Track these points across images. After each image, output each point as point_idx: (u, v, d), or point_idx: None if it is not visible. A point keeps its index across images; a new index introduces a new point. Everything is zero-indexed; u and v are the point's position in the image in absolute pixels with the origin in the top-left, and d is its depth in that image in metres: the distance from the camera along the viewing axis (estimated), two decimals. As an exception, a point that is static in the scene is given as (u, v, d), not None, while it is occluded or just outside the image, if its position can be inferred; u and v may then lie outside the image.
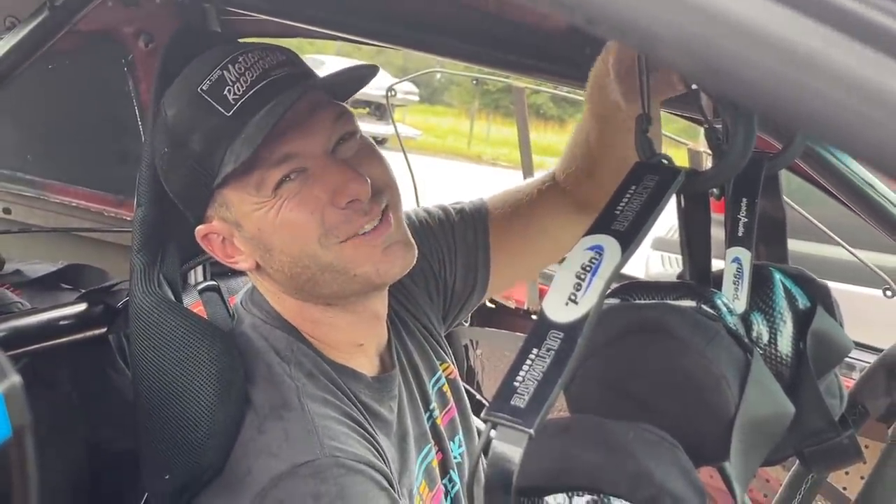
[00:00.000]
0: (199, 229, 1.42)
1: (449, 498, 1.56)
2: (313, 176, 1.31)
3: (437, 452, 1.56)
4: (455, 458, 1.60)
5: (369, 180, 1.32)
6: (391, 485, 1.32)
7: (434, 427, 1.58)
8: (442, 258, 1.66)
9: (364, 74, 1.38)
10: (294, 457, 1.27)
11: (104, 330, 1.96)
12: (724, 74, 0.43)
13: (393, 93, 4.32)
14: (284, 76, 1.30)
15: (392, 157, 1.52)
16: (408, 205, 1.49)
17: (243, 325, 1.48)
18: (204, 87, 1.29)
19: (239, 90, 1.27)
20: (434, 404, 1.59)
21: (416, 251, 1.42)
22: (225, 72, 1.28)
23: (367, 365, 1.46)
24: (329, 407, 1.33)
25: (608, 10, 0.44)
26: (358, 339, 1.46)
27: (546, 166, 2.07)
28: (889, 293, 2.20)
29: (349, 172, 1.31)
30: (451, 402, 1.65)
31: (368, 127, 19.58)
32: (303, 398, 1.33)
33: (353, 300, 1.41)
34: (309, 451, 1.27)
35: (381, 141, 18.50)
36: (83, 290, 2.03)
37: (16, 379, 0.30)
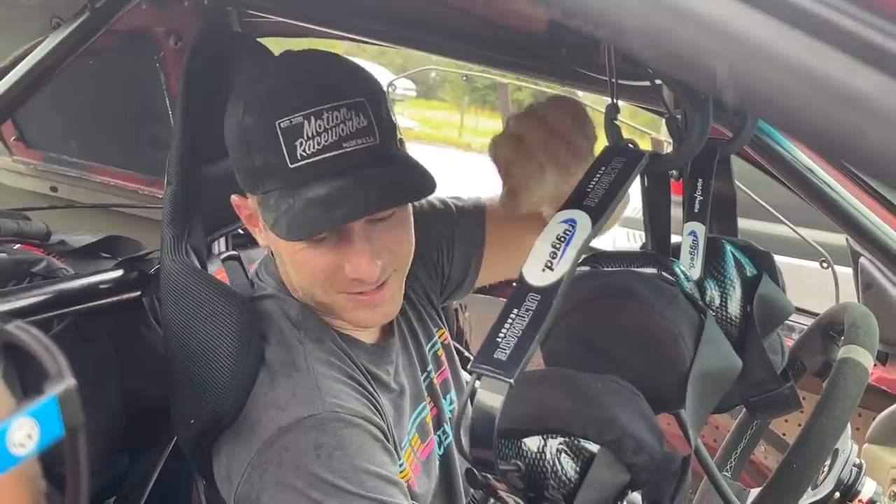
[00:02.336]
0: (234, 198, 1.39)
1: (442, 447, 1.56)
2: (339, 240, 1.26)
3: (431, 408, 1.56)
4: (448, 413, 1.60)
5: (380, 263, 1.27)
6: (386, 437, 1.31)
7: (430, 386, 1.57)
8: (441, 248, 1.64)
9: (422, 188, 1.29)
10: (299, 411, 1.26)
11: (138, 293, 1.96)
12: (682, 61, 0.42)
13: (393, 88, 4.33)
14: (353, 152, 1.21)
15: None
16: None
17: (260, 292, 1.47)
18: (282, 125, 1.19)
19: (309, 150, 1.19)
20: (430, 366, 1.59)
21: (399, 307, 1.41)
22: (306, 121, 1.18)
23: (367, 334, 1.45)
24: (333, 368, 1.33)
25: (581, 3, 0.43)
26: None
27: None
28: (825, 265, 2.21)
29: (366, 256, 1.25)
30: (445, 364, 1.65)
31: (372, 119, 19.74)
32: (309, 360, 1.32)
33: None
34: (312, 406, 1.26)
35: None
36: (120, 259, 2.02)
37: (71, 382, 0.29)
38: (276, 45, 1.91)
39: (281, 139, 1.19)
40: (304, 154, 1.18)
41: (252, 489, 1.26)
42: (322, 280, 1.30)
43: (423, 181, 1.27)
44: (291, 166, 1.19)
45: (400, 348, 1.52)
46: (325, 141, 1.19)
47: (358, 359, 1.39)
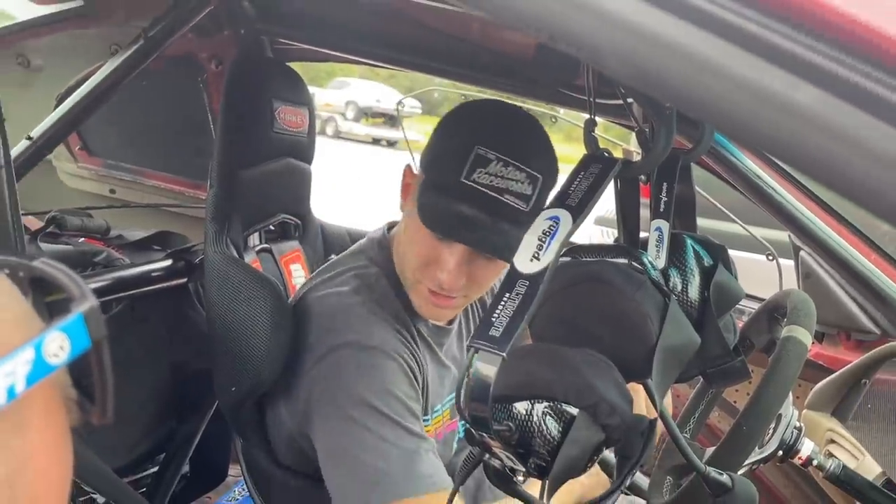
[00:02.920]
0: (407, 168, 1.43)
1: (462, 432, 1.56)
2: (450, 248, 1.29)
3: None
4: None
5: (462, 283, 1.32)
6: (416, 378, 1.34)
7: None
8: None
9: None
10: (349, 336, 1.30)
11: (185, 280, 1.97)
12: (649, 78, 0.43)
13: (402, 106, 4.34)
14: (506, 204, 1.24)
15: (402, 155, 1.52)
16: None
17: (360, 251, 1.50)
18: (479, 151, 1.24)
19: (481, 179, 1.23)
20: None
21: (455, 315, 1.50)
22: (495, 161, 1.23)
23: None
24: (387, 322, 1.35)
25: (565, 29, 0.43)
26: None
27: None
28: (770, 258, 2.21)
29: (455, 272, 1.30)
30: None
31: (384, 132, 19.61)
32: (370, 305, 1.35)
33: None
34: (361, 335, 1.30)
35: (393, 143, 18.52)
36: (169, 251, 2.03)
37: (94, 301, 0.30)
38: (302, 68, 1.91)
39: (470, 159, 1.23)
40: (476, 179, 1.23)
41: (307, 401, 1.31)
42: (418, 263, 1.34)
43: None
44: (462, 180, 1.23)
45: (455, 339, 1.52)
46: (496, 183, 1.23)
47: (417, 326, 1.42)
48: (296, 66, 1.87)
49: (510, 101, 1.52)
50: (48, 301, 0.32)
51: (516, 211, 1.24)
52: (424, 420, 1.38)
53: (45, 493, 0.31)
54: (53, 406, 0.31)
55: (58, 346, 0.29)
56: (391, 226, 1.51)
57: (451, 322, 1.50)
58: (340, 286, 1.39)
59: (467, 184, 1.23)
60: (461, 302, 1.39)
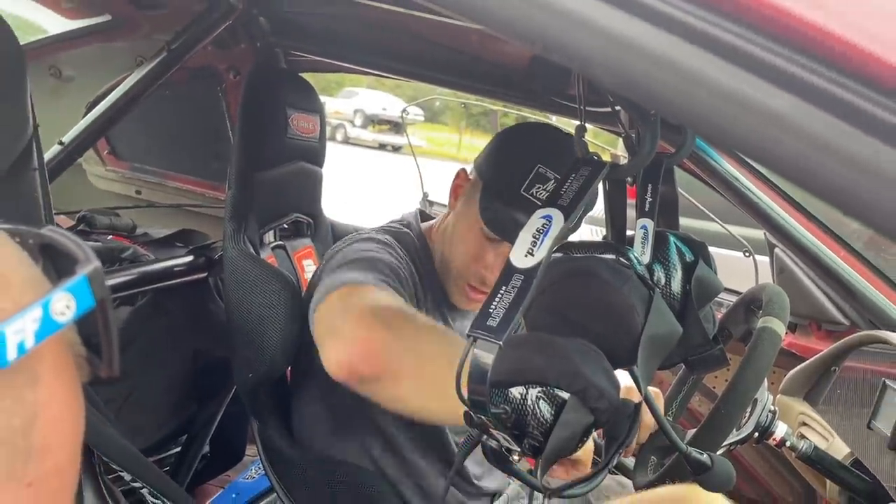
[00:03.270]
0: (462, 171, 1.47)
1: None
2: (497, 249, 1.35)
3: None
4: None
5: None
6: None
7: None
8: None
9: None
10: (359, 246, 1.33)
11: (205, 274, 1.97)
12: (634, 85, 0.43)
13: (406, 114, 4.34)
14: None
15: (407, 160, 1.52)
16: (416, 190, 1.50)
17: (392, 223, 1.52)
18: (539, 170, 1.28)
19: (537, 194, 1.28)
20: None
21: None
22: (553, 180, 1.27)
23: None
24: (406, 269, 1.36)
25: (558, 41, 0.43)
26: None
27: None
28: (747, 254, 2.22)
29: (497, 265, 1.34)
30: None
31: (390, 138, 19.62)
32: (399, 250, 1.38)
33: None
34: (370, 249, 1.32)
35: (398, 148, 18.52)
36: (191, 247, 2.03)
37: (97, 263, 0.30)
38: (313, 79, 1.91)
39: (531, 175, 1.28)
40: (533, 194, 1.28)
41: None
42: (465, 259, 1.38)
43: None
44: (520, 192, 1.28)
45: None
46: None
47: (433, 290, 1.45)
48: (308, 76, 1.87)
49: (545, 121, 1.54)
50: (56, 265, 0.32)
51: None
52: None
53: (57, 442, 0.31)
54: (63, 361, 0.31)
55: (64, 305, 0.29)
56: (422, 216, 1.55)
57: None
58: (367, 235, 1.41)
59: (523, 197, 1.28)
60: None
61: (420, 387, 1.06)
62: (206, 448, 2.14)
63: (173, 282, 1.87)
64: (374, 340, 1.06)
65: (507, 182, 1.31)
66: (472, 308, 1.45)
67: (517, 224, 1.25)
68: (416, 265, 1.40)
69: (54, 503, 0.31)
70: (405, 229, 1.46)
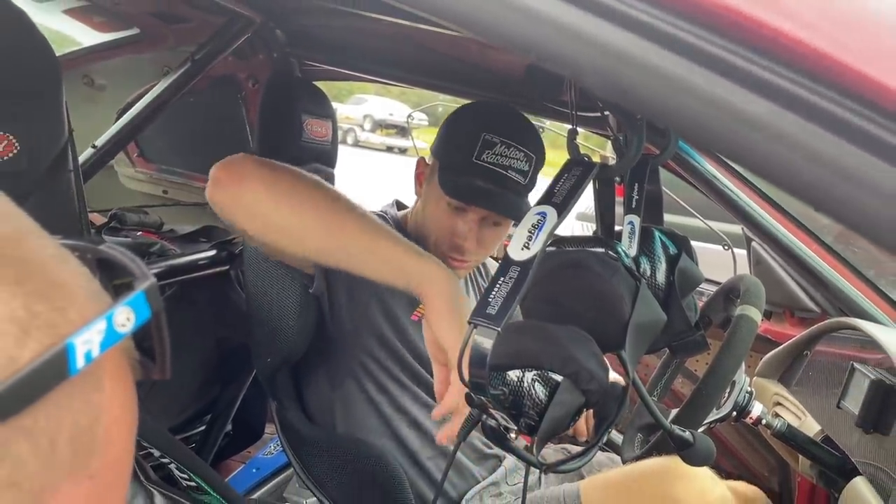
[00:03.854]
0: (420, 160, 1.50)
1: None
2: (465, 216, 1.36)
3: None
4: None
5: (474, 245, 1.38)
6: None
7: None
8: None
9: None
10: None
11: (227, 267, 1.97)
12: (624, 93, 0.42)
13: (412, 119, 4.35)
14: (509, 178, 1.32)
15: (412, 160, 1.52)
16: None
17: (380, 212, 1.52)
18: (486, 137, 1.31)
19: (489, 159, 1.31)
20: None
21: (460, 280, 1.51)
22: (500, 144, 1.31)
23: None
24: None
25: (552, 51, 0.43)
26: None
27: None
28: (726, 247, 2.21)
29: (473, 234, 1.37)
30: None
31: (396, 141, 19.61)
32: None
33: None
34: None
35: (404, 150, 18.49)
36: (213, 242, 2.03)
37: (153, 279, 0.31)
38: (325, 86, 1.91)
39: (479, 143, 1.31)
40: (485, 159, 1.31)
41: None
42: (439, 233, 1.39)
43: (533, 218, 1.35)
44: (473, 160, 1.31)
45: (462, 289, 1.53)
46: (501, 161, 1.31)
47: None
48: (320, 84, 1.86)
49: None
50: (112, 279, 0.33)
51: (517, 183, 1.33)
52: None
53: (117, 436, 0.32)
54: (122, 365, 0.33)
55: (125, 317, 0.30)
56: (398, 205, 1.57)
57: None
58: None
59: (478, 163, 1.30)
60: (472, 264, 1.43)
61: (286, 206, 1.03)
62: (229, 427, 2.14)
63: (197, 274, 1.87)
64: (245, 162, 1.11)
65: (460, 155, 1.33)
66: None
67: (476, 188, 1.30)
68: None
69: (110, 493, 0.32)
70: (383, 217, 1.46)
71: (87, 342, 0.28)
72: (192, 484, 1.11)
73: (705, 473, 1.36)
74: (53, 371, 0.27)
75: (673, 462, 1.37)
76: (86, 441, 0.30)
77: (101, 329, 0.29)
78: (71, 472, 0.29)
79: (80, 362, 0.28)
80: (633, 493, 1.35)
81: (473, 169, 1.31)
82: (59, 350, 0.27)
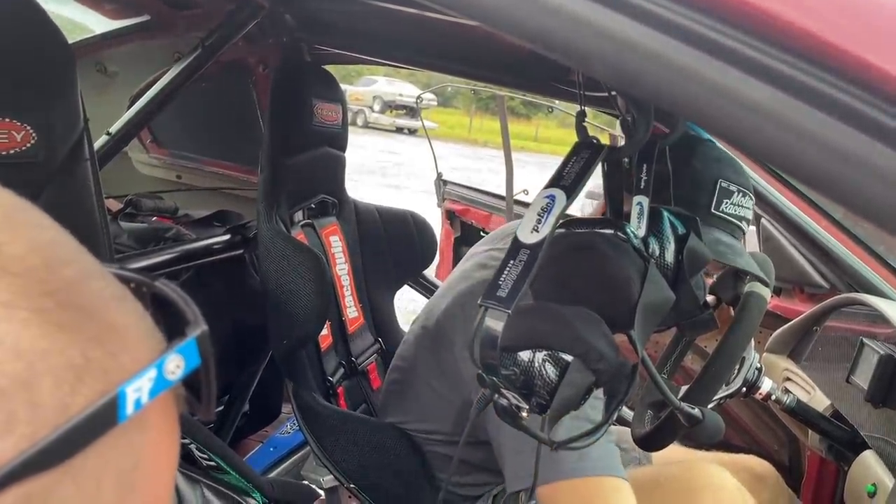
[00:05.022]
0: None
1: None
2: None
3: None
4: None
5: None
6: None
7: None
8: None
9: None
10: None
11: (241, 251, 1.98)
12: (631, 81, 0.43)
13: (421, 100, 4.34)
14: (742, 230, 1.18)
15: (421, 142, 1.51)
16: (429, 171, 1.49)
17: None
18: (722, 184, 1.14)
19: (728, 210, 1.14)
20: None
21: None
22: (738, 193, 1.15)
23: None
24: None
25: (559, 41, 0.43)
26: None
27: (517, 145, 2.05)
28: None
29: None
30: None
31: (406, 122, 19.57)
32: None
33: None
34: None
35: (414, 131, 18.45)
36: (227, 227, 2.04)
37: (205, 327, 0.32)
38: (335, 69, 1.91)
39: (716, 192, 1.15)
40: (724, 210, 1.15)
41: None
42: None
43: None
44: (713, 211, 1.15)
45: None
46: (739, 213, 1.16)
47: None
48: (330, 67, 1.86)
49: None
50: (164, 317, 0.34)
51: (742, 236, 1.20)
52: None
53: (160, 469, 0.33)
54: (168, 405, 0.33)
55: (175, 365, 0.30)
56: None
57: None
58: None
59: (717, 214, 1.15)
60: None
61: None
62: (246, 407, 2.17)
63: (212, 258, 1.88)
64: None
65: (692, 200, 1.15)
66: None
67: (716, 241, 1.13)
68: None
69: None
70: None
71: (137, 390, 0.29)
72: (212, 463, 1.13)
73: (731, 483, 1.32)
74: (104, 419, 0.28)
75: (699, 470, 1.37)
76: (129, 481, 0.30)
77: (151, 377, 0.29)
78: None
79: (129, 409, 0.28)
80: (659, 498, 1.33)
81: (710, 221, 1.13)
82: (111, 398, 0.28)
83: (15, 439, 0.25)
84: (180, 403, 0.34)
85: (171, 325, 0.33)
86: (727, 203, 1.15)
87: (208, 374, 0.32)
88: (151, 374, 0.29)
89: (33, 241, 0.29)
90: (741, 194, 1.16)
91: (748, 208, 1.18)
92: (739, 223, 1.16)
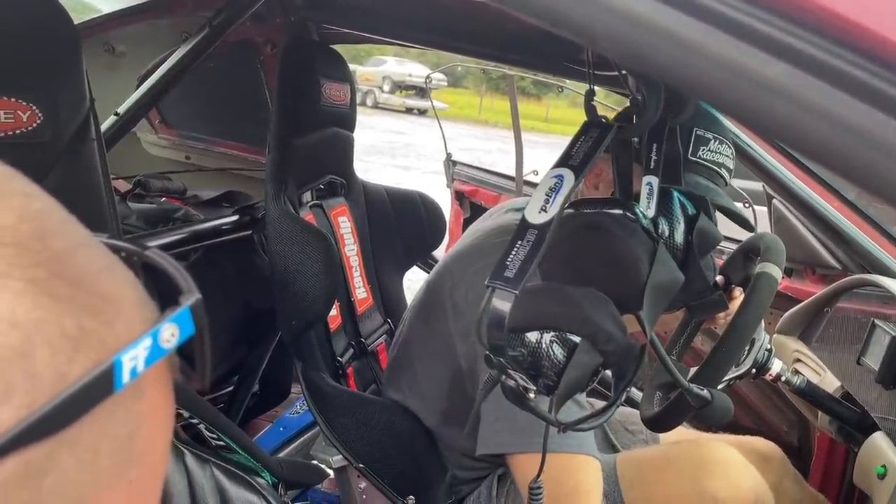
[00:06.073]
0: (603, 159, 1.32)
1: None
2: None
3: None
4: None
5: None
6: None
7: None
8: None
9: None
10: None
11: (250, 232, 1.98)
12: (639, 57, 0.42)
13: (430, 80, 4.31)
14: (722, 177, 1.20)
15: (430, 122, 1.49)
16: (439, 152, 1.47)
17: None
18: (697, 132, 1.17)
19: (705, 156, 1.17)
20: None
21: None
22: (714, 141, 1.17)
23: None
24: None
25: (566, 17, 0.42)
26: None
27: (527, 126, 2.03)
28: (747, 205, 2.18)
29: None
30: None
31: (416, 102, 19.53)
32: None
33: None
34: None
35: (423, 111, 18.39)
36: (236, 207, 2.04)
37: (198, 295, 0.32)
38: (343, 49, 1.89)
39: (692, 140, 1.17)
40: (701, 156, 1.17)
41: None
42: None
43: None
44: (689, 157, 1.17)
45: None
46: (717, 159, 1.17)
47: None
48: (338, 47, 1.85)
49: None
50: (156, 286, 0.34)
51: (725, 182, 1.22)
52: None
53: (155, 443, 0.33)
54: (162, 373, 0.33)
55: (170, 333, 0.30)
56: None
57: None
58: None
59: (693, 161, 1.18)
60: None
61: None
62: (256, 387, 2.18)
63: (221, 239, 1.89)
64: None
65: (672, 150, 1.14)
66: None
67: (694, 184, 1.15)
68: None
69: (146, 497, 0.33)
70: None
71: (132, 358, 0.29)
72: (221, 443, 1.13)
73: (739, 460, 1.34)
74: (100, 387, 0.28)
75: (707, 447, 1.37)
76: (126, 450, 0.31)
77: (146, 346, 0.30)
78: (112, 480, 0.30)
79: (125, 378, 0.29)
80: (668, 475, 1.34)
81: (688, 168, 1.16)
82: (107, 367, 0.28)
83: (13, 408, 0.26)
84: (175, 372, 0.34)
85: (163, 294, 0.33)
86: (704, 150, 1.17)
87: (203, 342, 0.32)
88: (147, 342, 0.29)
89: (23, 210, 0.29)
90: (717, 142, 1.17)
91: (727, 156, 1.19)
92: (718, 169, 1.17)
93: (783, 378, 1.26)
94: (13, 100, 0.99)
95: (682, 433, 1.53)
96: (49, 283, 0.28)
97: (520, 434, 1.14)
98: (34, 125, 1.01)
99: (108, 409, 0.29)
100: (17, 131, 1.00)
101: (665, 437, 1.52)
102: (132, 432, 0.31)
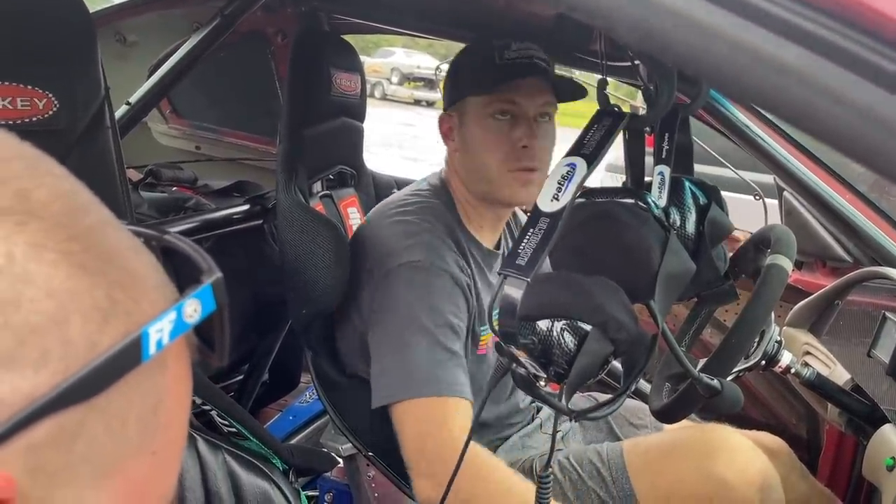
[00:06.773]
0: (442, 116, 1.43)
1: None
2: (515, 123, 1.31)
3: None
4: None
5: (536, 144, 1.32)
6: (466, 294, 1.31)
7: None
8: None
9: (575, 92, 1.35)
10: (406, 257, 1.28)
11: (261, 221, 1.99)
12: (656, 42, 0.42)
13: (440, 71, 4.30)
14: (540, 66, 1.30)
15: (439, 114, 1.49)
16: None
17: (419, 188, 1.46)
18: (496, 42, 1.29)
19: (511, 55, 1.28)
20: None
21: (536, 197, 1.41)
22: (513, 42, 1.30)
23: (485, 239, 1.44)
24: (443, 244, 1.31)
25: (583, 1, 0.43)
26: (484, 225, 1.45)
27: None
28: (757, 197, 2.17)
29: (534, 133, 1.31)
30: None
31: (424, 94, 19.43)
32: (428, 231, 1.32)
33: (492, 202, 1.41)
34: (416, 256, 1.28)
35: (432, 103, 18.34)
36: (247, 197, 2.05)
37: (219, 273, 0.33)
38: (353, 40, 1.90)
39: (494, 52, 1.29)
40: (508, 56, 1.27)
41: (370, 311, 1.32)
42: (498, 154, 1.32)
43: (579, 89, 1.35)
44: (498, 62, 1.27)
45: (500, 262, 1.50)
46: (525, 53, 1.29)
47: (471, 250, 1.39)
48: (348, 37, 1.85)
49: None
50: (176, 269, 0.35)
51: (546, 67, 1.33)
52: (482, 330, 1.38)
53: (177, 414, 0.34)
54: (183, 349, 0.35)
55: (192, 309, 0.32)
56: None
57: (497, 247, 1.48)
58: (404, 214, 1.37)
59: (505, 62, 1.28)
60: (540, 176, 1.34)
61: None
62: (266, 376, 2.19)
63: (232, 228, 1.90)
64: (460, 491, 1.06)
65: (483, 71, 1.31)
66: (532, 198, 1.39)
67: (515, 71, 1.28)
68: (453, 231, 1.36)
69: (168, 466, 0.34)
70: (433, 199, 1.40)
71: (159, 331, 0.30)
72: (233, 430, 1.14)
73: (746, 444, 1.34)
74: (129, 357, 0.29)
75: (714, 432, 1.37)
76: (151, 420, 0.32)
77: (171, 319, 0.31)
78: (138, 449, 0.31)
79: (152, 349, 0.30)
80: (675, 461, 1.34)
81: (504, 68, 1.27)
82: (135, 338, 0.30)
83: (49, 373, 0.27)
84: (193, 351, 0.35)
85: (182, 276, 0.34)
86: (508, 52, 1.27)
87: (222, 319, 0.33)
88: (171, 316, 0.31)
89: (56, 188, 0.30)
90: (517, 42, 1.29)
91: (534, 49, 1.31)
92: (529, 59, 1.29)
93: (793, 370, 1.26)
94: (29, 87, 1.00)
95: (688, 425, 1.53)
96: (82, 256, 0.29)
97: (407, 384, 1.23)
98: (50, 113, 1.02)
99: (135, 380, 0.30)
100: (34, 118, 1.01)
101: (670, 427, 1.52)
102: (156, 405, 0.32)
